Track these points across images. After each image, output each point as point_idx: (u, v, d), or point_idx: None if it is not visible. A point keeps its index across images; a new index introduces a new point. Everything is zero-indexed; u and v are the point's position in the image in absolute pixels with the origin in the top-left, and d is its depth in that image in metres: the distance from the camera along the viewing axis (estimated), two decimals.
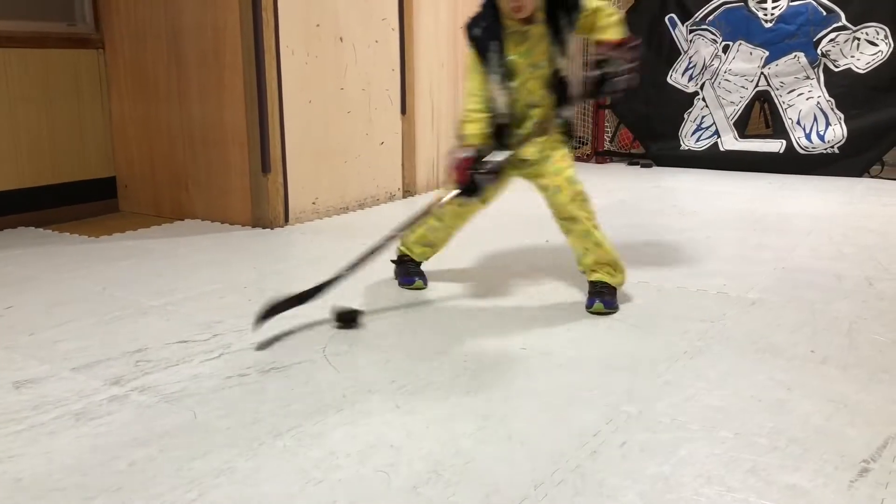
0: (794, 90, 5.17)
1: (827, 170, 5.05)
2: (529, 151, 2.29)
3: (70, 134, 3.75)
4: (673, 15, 5.49)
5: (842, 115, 5.02)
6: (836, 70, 5.03)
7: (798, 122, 5.16)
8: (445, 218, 2.46)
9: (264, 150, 3.44)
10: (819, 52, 5.05)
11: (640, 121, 5.69)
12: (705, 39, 5.45)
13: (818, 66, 5.08)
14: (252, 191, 3.52)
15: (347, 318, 2.19)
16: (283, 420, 1.63)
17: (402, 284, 2.59)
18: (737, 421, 1.62)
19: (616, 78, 2.15)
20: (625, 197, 4.39)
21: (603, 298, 2.31)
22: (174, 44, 3.62)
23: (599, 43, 2.23)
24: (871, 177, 4.96)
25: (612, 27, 2.22)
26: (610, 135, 5.96)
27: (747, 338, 2.10)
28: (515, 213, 3.99)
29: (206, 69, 3.54)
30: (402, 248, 2.58)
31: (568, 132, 2.36)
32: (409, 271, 2.59)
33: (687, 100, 5.47)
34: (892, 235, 3.32)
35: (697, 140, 5.46)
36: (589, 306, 2.32)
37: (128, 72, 3.80)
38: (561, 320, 2.26)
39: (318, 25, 3.62)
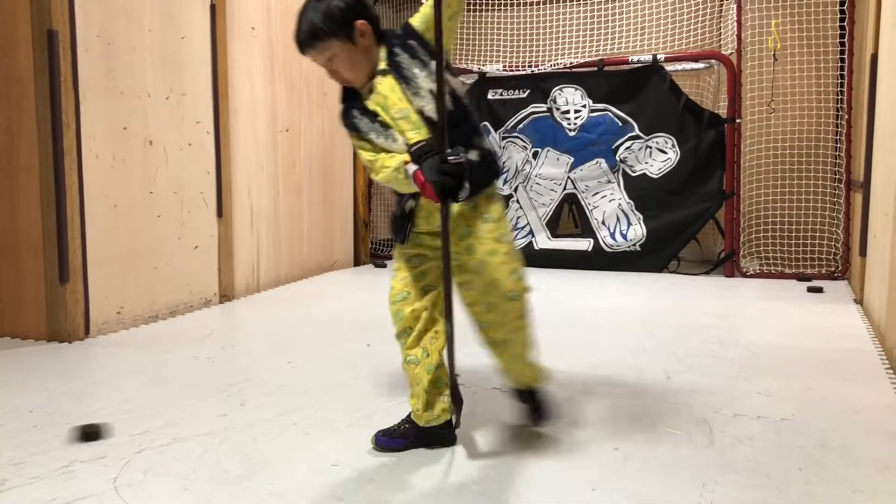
0: (598, 193, 5.57)
1: (631, 266, 5.42)
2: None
3: None
4: (486, 123, 5.80)
5: (641, 216, 5.44)
6: (634, 175, 5.48)
7: (603, 223, 5.54)
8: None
9: (62, 258, 3.21)
10: (618, 158, 5.50)
11: None
12: (517, 146, 5.79)
13: (618, 171, 5.51)
14: (48, 302, 3.26)
15: (88, 434, 2.14)
16: None
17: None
18: None
19: None
20: None
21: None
22: None
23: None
24: (670, 272, 5.37)
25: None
26: None
27: (552, 435, 2.15)
28: (336, 316, 3.94)
29: None
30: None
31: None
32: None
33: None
34: (689, 328, 3.57)
35: (514, 239, 5.70)
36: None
37: None
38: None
39: (125, 128, 3.49)
